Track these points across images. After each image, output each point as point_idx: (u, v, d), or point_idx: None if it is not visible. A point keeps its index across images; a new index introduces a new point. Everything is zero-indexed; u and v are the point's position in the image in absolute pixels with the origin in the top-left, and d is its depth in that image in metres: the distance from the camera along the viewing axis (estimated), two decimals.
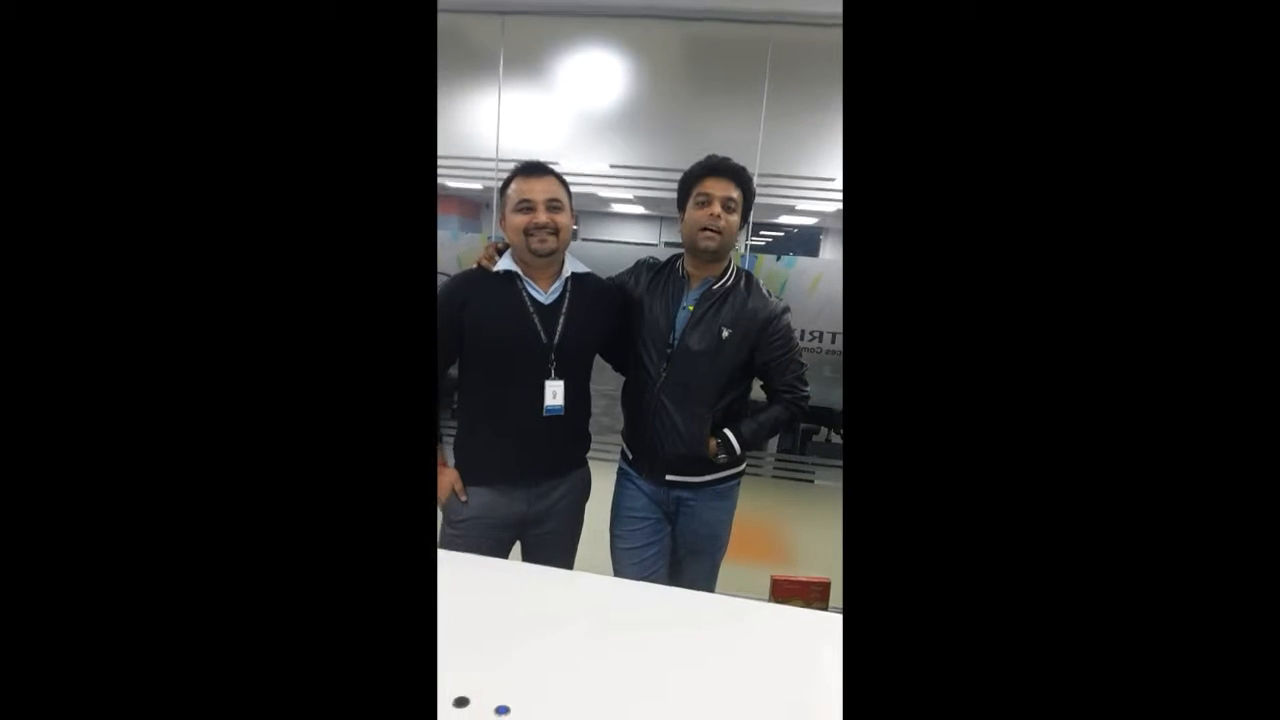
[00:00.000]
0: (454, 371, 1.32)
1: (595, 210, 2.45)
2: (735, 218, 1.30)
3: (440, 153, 2.09)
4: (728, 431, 1.34)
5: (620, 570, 1.41)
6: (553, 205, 1.21)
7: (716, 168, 1.30)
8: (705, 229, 1.28)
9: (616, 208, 2.36)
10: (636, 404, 1.37)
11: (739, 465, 1.42)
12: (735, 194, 1.29)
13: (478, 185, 2.17)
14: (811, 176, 2.01)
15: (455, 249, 2.18)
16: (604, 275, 1.40)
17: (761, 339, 1.32)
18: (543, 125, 2.10)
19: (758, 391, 1.44)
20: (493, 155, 2.10)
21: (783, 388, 1.36)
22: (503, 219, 1.25)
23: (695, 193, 1.31)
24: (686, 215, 1.33)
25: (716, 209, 1.28)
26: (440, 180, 2.13)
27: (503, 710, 0.75)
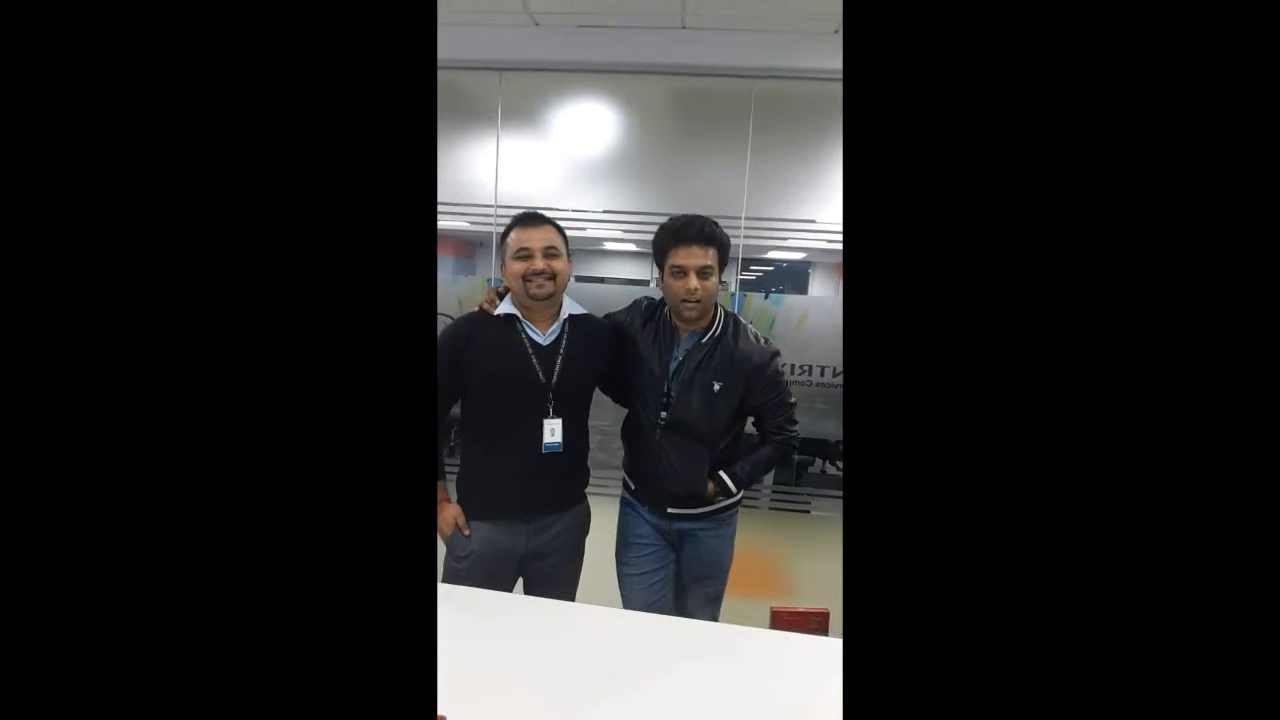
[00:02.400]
0: (457, 410, 1.37)
1: (589, 250, 2.52)
2: (712, 281, 1.30)
3: (441, 198, 2.16)
4: (724, 474, 1.39)
5: (628, 596, 1.44)
6: (550, 252, 1.27)
7: (683, 234, 1.28)
8: (684, 301, 1.30)
9: (609, 246, 2.44)
10: (637, 441, 1.42)
11: (738, 494, 1.46)
12: (708, 259, 1.28)
13: (477, 228, 2.26)
14: (797, 219, 2.10)
15: (456, 290, 2.25)
16: (600, 313, 1.45)
17: (752, 384, 1.35)
18: (539, 172, 2.19)
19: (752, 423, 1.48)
20: (491, 200, 2.18)
21: (773, 429, 1.41)
22: (503, 265, 1.31)
23: (669, 264, 1.30)
24: (665, 281, 1.34)
25: (693, 283, 1.28)
26: (441, 223, 2.21)
27: None
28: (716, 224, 1.32)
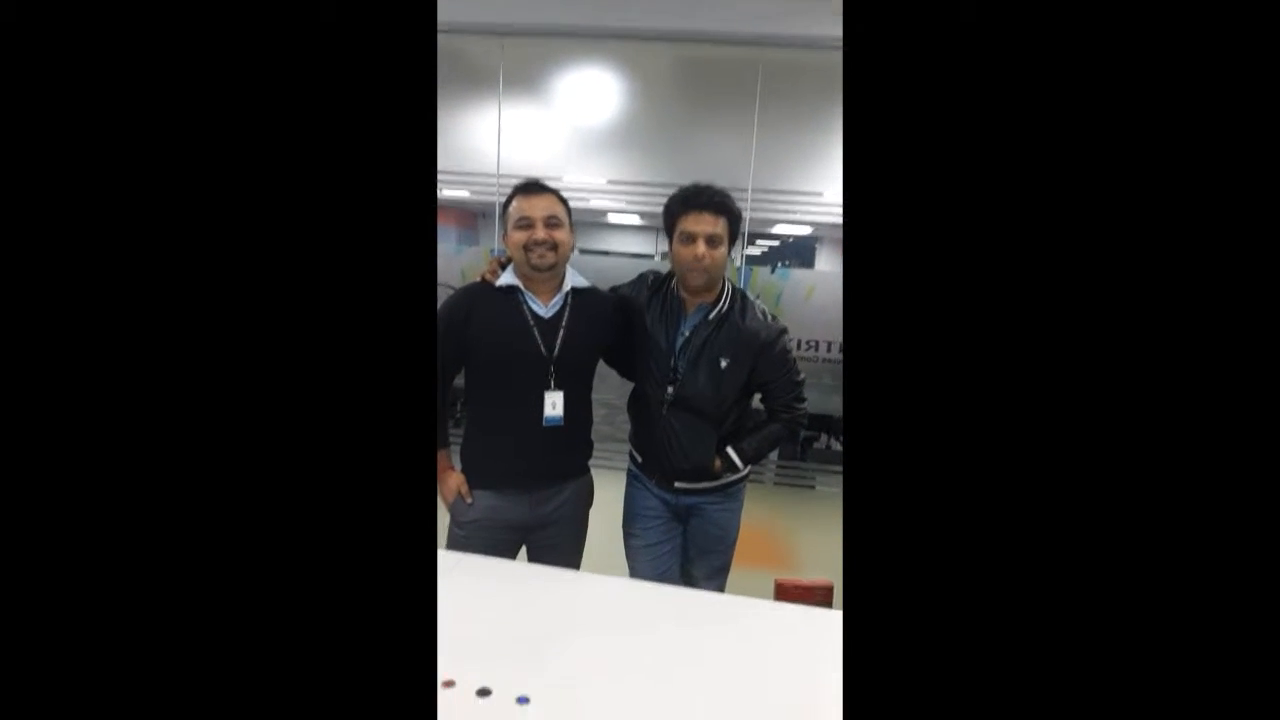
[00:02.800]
0: (461, 381, 1.36)
1: (593, 222, 2.49)
2: (721, 250, 1.28)
3: (442, 167, 2.13)
4: (730, 450, 1.38)
5: (636, 567, 1.45)
6: (551, 222, 1.25)
7: (694, 201, 1.28)
8: (692, 268, 1.28)
9: (614, 219, 2.40)
10: (643, 415, 1.41)
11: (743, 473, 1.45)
12: (718, 228, 1.27)
13: (478, 198, 2.22)
14: (803, 191, 2.05)
15: (459, 262, 2.22)
16: (604, 286, 1.43)
17: (760, 361, 1.34)
18: (541, 141, 2.14)
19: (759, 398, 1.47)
20: (493, 170, 2.14)
21: (780, 407, 1.39)
22: (505, 235, 1.29)
23: (679, 230, 1.29)
24: (673, 249, 1.32)
25: (700, 249, 1.26)
26: (442, 193, 2.18)
27: (523, 700, 0.78)
28: (729, 195, 1.31)
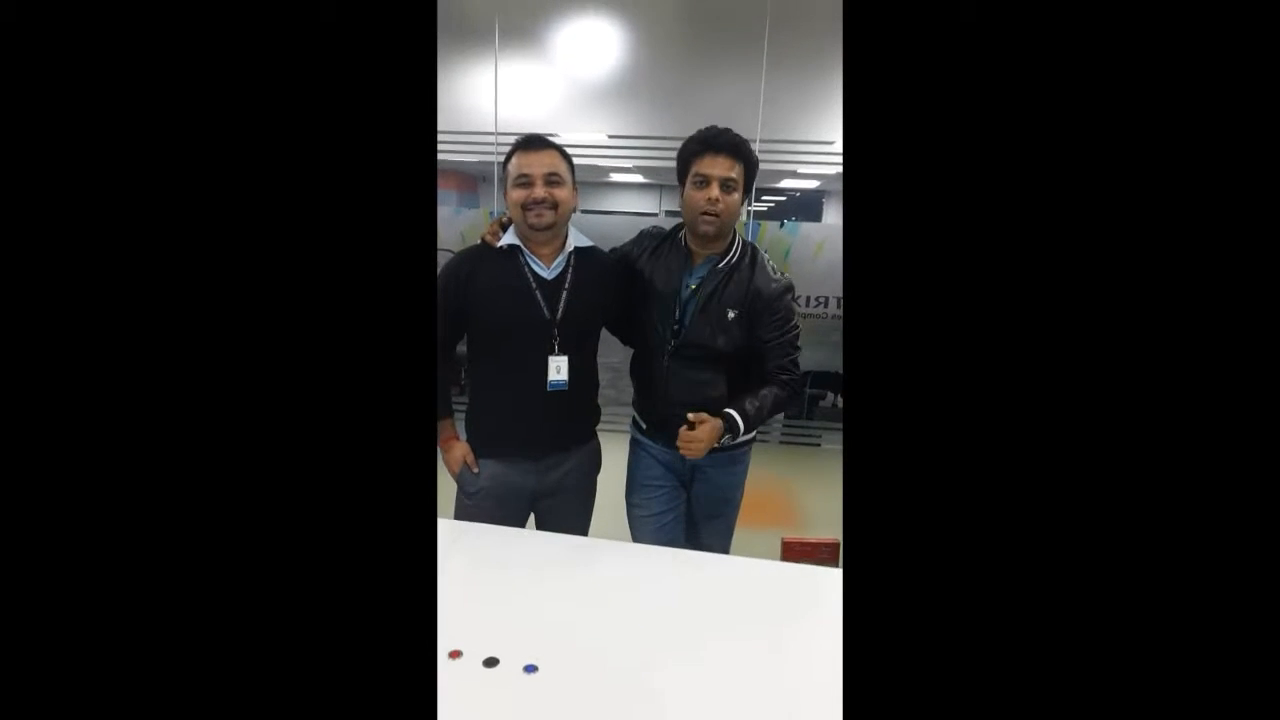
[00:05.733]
0: (464, 347, 1.34)
1: (594, 181, 2.42)
2: (735, 197, 1.25)
3: (439, 127, 2.06)
4: (731, 411, 1.31)
5: (639, 537, 1.44)
6: (551, 180, 1.21)
7: (713, 143, 1.24)
8: (704, 213, 1.25)
9: (615, 177, 2.34)
10: (646, 373, 1.38)
11: (751, 431, 1.43)
12: (734, 172, 1.24)
13: (477, 159, 2.16)
14: (814, 140, 1.98)
15: (458, 225, 2.18)
16: (605, 246, 1.39)
17: (762, 317, 1.30)
18: (540, 96, 2.07)
19: None
20: (491, 129, 2.08)
21: (776, 369, 1.34)
22: (506, 193, 1.25)
23: (693, 172, 1.26)
24: (685, 194, 1.29)
25: (714, 192, 1.23)
26: (440, 155, 2.12)
27: (531, 669, 0.79)
28: (748, 142, 1.27)
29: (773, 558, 2.20)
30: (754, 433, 1.44)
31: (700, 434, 1.23)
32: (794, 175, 2.30)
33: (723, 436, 1.32)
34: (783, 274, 1.35)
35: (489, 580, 0.99)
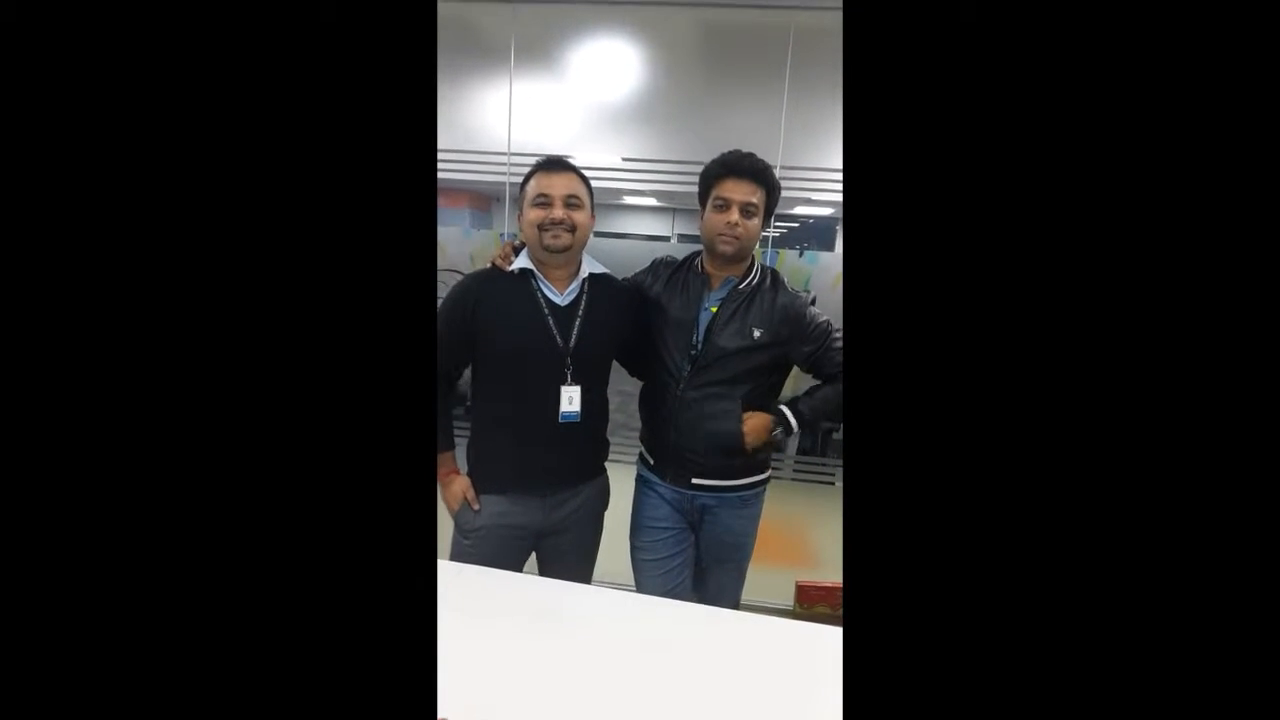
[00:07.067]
0: (469, 374, 1.28)
1: (607, 203, 2.38)
2: (755, 222, 1.24)
3: (452, 146, 2.03)
4: (784, 408, 1.28)
5: (643, 582, 1.36)
6: (571, 202, 1.17)
7: (735, 167, 1.23)
8: (722, 235, 1.23)
9: (629, 200, 2.29)
10: (658, 407, 1.32)
11: (764, 471, 1.37)
12: (756, 197, 1.22)
13: (491, 179, 2.12)
14: (827, 169, 1.94)
15: (468, 246, 2.13)
16: (617, 272, 1.34)
17: (799, 333, 1.27)
18: (555, 118, 2.04)
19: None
20: (504, 149, 2.04)
21: (835, 369, 1.30)
22: (520, 214, 1.21)
23: (714, 195, 1.24)
24: (705, 216, 1.27)
25: (734, 216, 1.22)
26: (451, 175, 2.07)
27: None
28: (771, 168, 1.26)
29: (786, 599, 2.11)
30: (769, 473, 1.38)
31: (747, 426, 1.25)
32: (808, 202, 2.26)
33: (774, 431, 1.29)
34: (805, 290, 1.32)
35: (482, 634, 0.91)
